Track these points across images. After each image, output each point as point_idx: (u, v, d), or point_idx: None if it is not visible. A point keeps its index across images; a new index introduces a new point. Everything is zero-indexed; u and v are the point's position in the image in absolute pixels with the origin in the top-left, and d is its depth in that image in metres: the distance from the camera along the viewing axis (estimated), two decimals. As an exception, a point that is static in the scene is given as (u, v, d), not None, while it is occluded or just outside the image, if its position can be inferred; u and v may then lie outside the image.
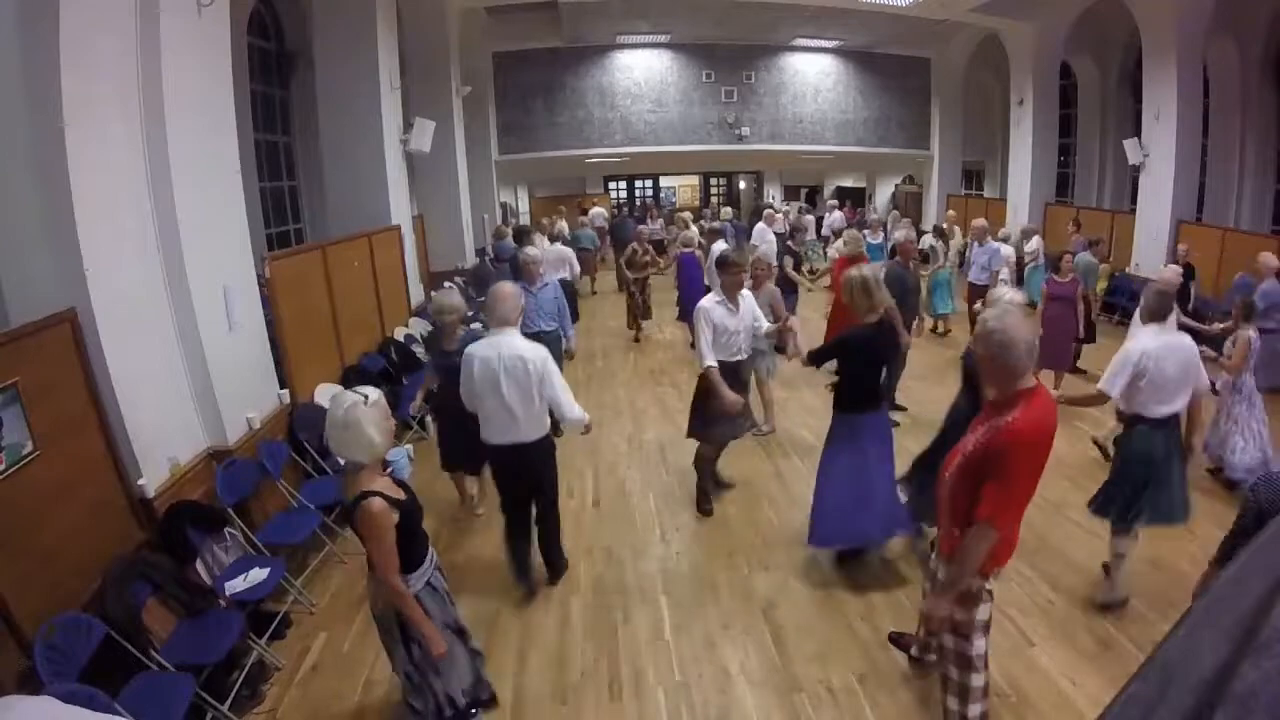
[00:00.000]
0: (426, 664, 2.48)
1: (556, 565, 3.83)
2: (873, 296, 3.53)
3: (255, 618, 3.33)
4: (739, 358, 4.24)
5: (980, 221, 8.40)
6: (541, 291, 5.42)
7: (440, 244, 9.76)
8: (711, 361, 4.04)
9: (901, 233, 6.79)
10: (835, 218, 13.77)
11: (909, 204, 16.35)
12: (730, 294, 4.16)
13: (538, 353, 3.32)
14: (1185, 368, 3.30)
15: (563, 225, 11.83)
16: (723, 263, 4.21)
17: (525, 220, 15.26)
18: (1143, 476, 3.33)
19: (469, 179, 10.45)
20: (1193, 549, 3.96)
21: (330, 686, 3.15)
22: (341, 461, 2.39)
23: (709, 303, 4.13)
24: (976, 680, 2.49)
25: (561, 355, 5.28)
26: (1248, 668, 0.53)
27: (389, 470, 2.43)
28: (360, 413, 2.23)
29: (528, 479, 3.52)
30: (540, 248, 7.48)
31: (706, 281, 7.23)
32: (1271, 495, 2.27)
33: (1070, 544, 4.03)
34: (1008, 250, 8.27)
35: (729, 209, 12.80)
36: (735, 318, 4.15)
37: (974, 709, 2.49)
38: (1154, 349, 3.27)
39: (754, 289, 5.06)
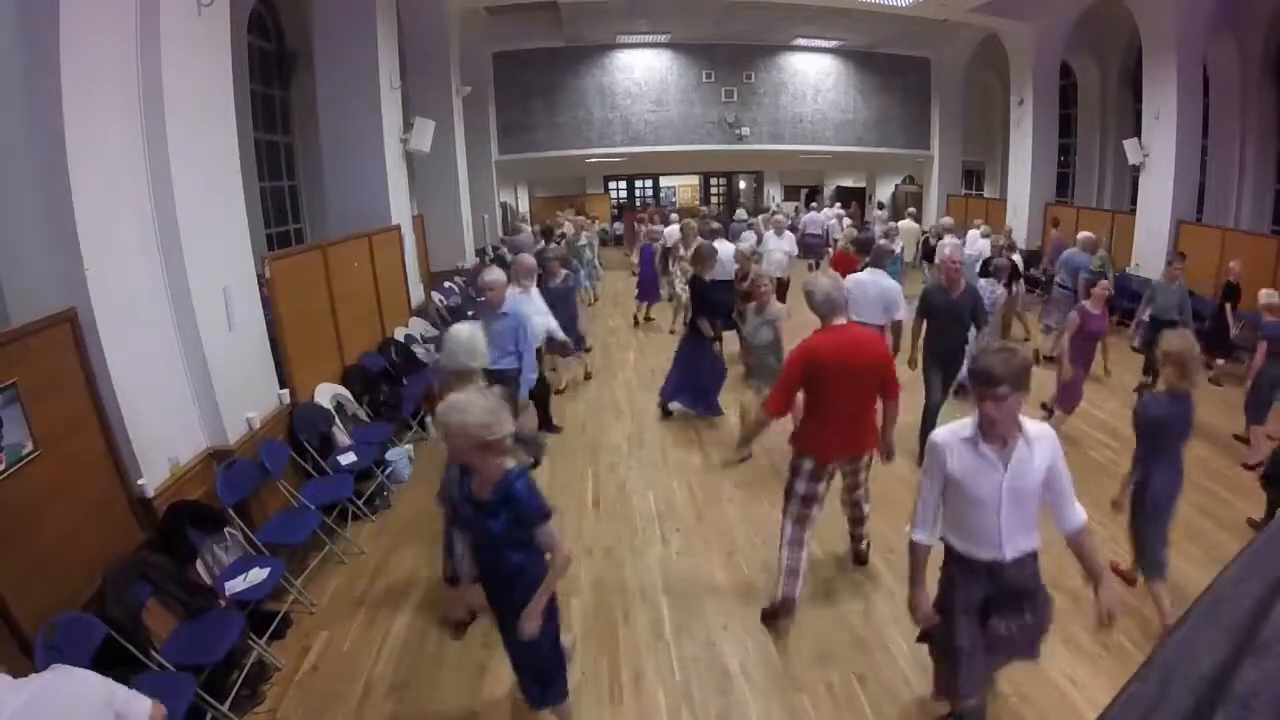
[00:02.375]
0: None
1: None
2: (703, 264, 5.75)
3: (255, 618, 3.32)
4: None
5: (947, 220, 9.21)
6: (500, 321, 4.49)
7: (440, 244, 9.76)
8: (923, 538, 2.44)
9: (949, 247, 5.34)
10: (810, 219, 12.77)
11: (909, 204, 16.34)
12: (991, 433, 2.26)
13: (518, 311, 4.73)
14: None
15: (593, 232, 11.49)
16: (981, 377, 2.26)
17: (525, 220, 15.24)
18: None
19: (469, 179, 10.45)
20: (1193, 549, 3.97)
21: (330, 686, 3.15)
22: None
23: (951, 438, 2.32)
24: (783, 554, 3.32)
25: (515, 402, 4.31)
26: (1248, 667, 0.53)
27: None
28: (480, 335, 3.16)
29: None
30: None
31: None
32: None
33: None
34: (975, 246, 8.52)
35: (742, 210, 12.67)
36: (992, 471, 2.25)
37: (783, 582, 3.30)
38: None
39: (758, 309, 5.06)
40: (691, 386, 5.97)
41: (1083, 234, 7.90)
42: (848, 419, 3.23)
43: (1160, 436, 3.25)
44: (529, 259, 5.67)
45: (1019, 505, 2.26)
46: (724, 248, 7.35)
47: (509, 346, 4.48)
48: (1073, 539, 2.35)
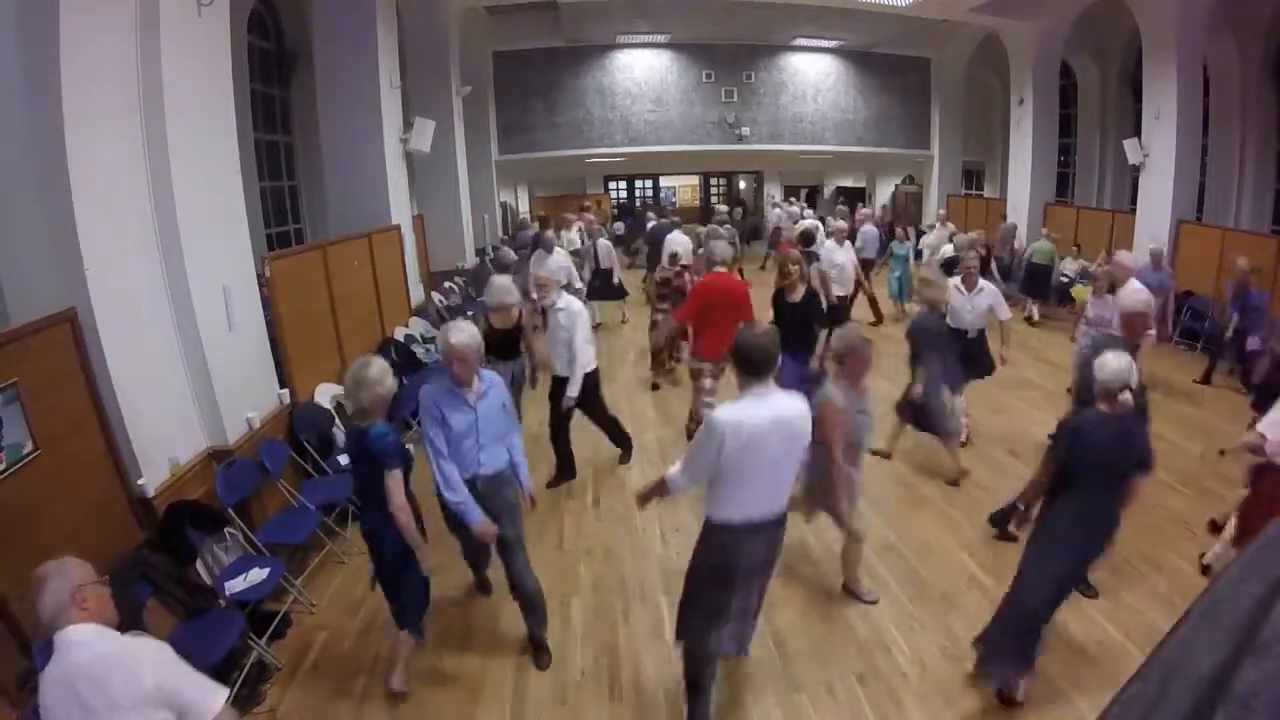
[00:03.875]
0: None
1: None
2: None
3: (255, 618, 3.32)
4: None
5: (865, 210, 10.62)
6: (480, 402, 2.94)
7: (440, 244, 9.76)
8: None
9: (1140, 297, 3.94)
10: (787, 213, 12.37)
11: (909, 204, 16.35)
12: None
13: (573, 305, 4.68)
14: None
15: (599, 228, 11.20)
16: None
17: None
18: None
19: (469, 179, 10.44)
20: (1192, 550, 3.96)
21: (330, 686, 3.15)
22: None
23: None
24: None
25: (518, 514, 3.16)
26: (1248, 667, 0.53)
27: None
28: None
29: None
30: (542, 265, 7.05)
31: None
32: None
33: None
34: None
35: (738, 209, 12.50)
36: None
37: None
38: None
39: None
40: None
41: (1152, 245, 7.41)
42: (724, 333, 4.04)
43: (930, 341, 4.69)
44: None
45: None
46: (676, 238, 7.87)
47: (500, 429, 3.04)
48: None
